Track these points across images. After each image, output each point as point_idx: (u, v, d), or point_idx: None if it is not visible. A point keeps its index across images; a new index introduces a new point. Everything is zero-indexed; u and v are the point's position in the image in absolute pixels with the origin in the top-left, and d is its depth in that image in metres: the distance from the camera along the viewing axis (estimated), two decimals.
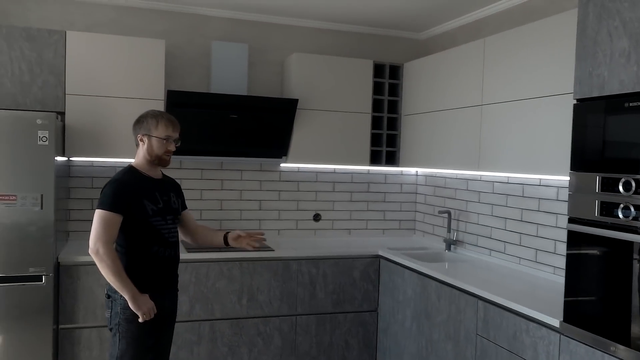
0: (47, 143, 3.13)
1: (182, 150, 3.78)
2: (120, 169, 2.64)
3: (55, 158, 3.19)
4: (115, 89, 3.57)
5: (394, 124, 4.33)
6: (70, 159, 3.75)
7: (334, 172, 4.49)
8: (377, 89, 4.26)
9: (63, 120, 3.49)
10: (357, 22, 4.37)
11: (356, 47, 4.50)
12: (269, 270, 3.74)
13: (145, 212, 2.52)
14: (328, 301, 3.87)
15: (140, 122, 2.60)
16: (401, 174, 4.66)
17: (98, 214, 2.43)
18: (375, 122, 4.27)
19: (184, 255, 3.55)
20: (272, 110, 3.88)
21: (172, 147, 2.62)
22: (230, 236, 2.80)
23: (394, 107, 4.33)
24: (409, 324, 3.58)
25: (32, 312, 3.13)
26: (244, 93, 3.99)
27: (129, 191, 2.49)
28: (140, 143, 2.59)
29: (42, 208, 3.12)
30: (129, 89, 3.60)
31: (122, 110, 3.54)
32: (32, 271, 3.12)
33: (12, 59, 3.39)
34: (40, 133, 3.11)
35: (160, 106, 3.66)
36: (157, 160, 2.60)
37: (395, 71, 4.30)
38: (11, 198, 3.08)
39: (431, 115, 3.88)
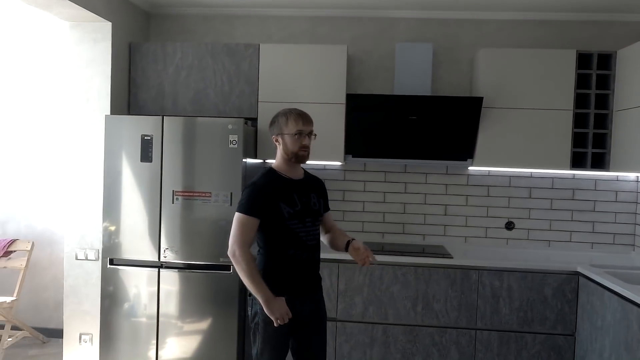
0: (236, 146, 3.45)
1: (363, 152, 3.88)
2: (262, 170, 2.60)
3: (244, 160, 3.51)
4: (301, 95, 3.77)
5: (602, 121, 3.74)
6: (266, 160, 4.09)
7: (531, 176, 4.05)
8: (582, 82, 3.73)
9: (256, 125, 3.83)
10: (559, 9, 3.89)
11: (556, 37, 4.01)
12: (446, 278, 3.54)
13: (281, 215, 2.46)
14: (513, 318, 3.51)
15: (272, 123, 2.58)
16: (617, 179, 3.99)
17: (236, 216, 2.45)
18: (579, 120, 3.74)
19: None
20: (453, 110, 3.68)
21: (307, 142, 2.51)
22: (353, 244, 2.56)
23: (603, 101, 3.74)
24: (607, 355, 3.04)
25: (220, 298, 3.49)
26: (428, 94, 3.86)
27: (264, 194, 2.45)
28: (277, 144, 2.56)
29: (231, 205, 3.46)
30: (314, 95, 3.77)
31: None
32: (222, 261, 3.48)
33: (216, 71, 3.84)
34: (230, 137, 3.46)
35: (341, 110, 3.77)
36: (295, 158, 2.52)
37: (605, 61, 3.71)
38: (207, 195, 3.48)
39: None
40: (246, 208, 2.44)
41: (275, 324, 2.43)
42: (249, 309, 2.58)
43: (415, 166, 4.13)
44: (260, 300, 2.42)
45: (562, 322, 3.48)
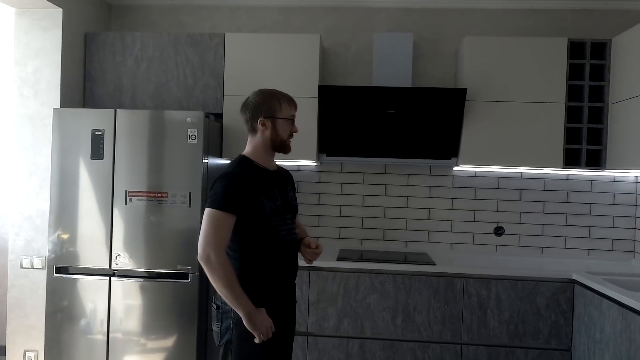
0: (196, 141, 3.14)
1: (339, 151, 3.57)
2: (232, 160, 2.24)
3: (205, 156, 3.19)
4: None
5: (597, 115, 3.44)
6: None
7: (521, 177, 3.74)
8: (574, 72, 3.44)
9: (221, 121, 3.52)
10: None
11: (548, 27, 3.73)
12: (429, 287, 3.21)
13: (263, 211, 2.11)
14: (502, 331, 3.17)
15: (258, 105, 2.18)
16: (614, 180, 3.68)
17: (208, 214, 2.03)
18: (572, 114, 3.44)
19: (332, 263, 3.27)
20: (434, 103, 3.38)
21: (295, 129, 2.23)
22: (304, 241, 2.34)
23: (597, 94, 3.44)
24: None
25: (178, 309, 3.14)
26: (408, 85, 3.55)
27: (244, 187, 2.08)
28: (262, 128, 2.17)
29: (189, 206, 3.14)
30: (284, 88, 3.33)
31: None
32: (179, 268, 3.14)
33: (178, 64, 3.54)
34: (189, 131, 3.14)
35: (314, 104, 3.46)
36: (282, 147, 2.21)
37: (599, 50, 3.42)
38: (162, 195, 3.15)
39: None
40: (222, 203, 2.03)
41: (257, 341, 2.05)
42: (217, 324, 2.16)
43: (396, 166, 3.81)
44: (241, 314, 2.02)
45: (556, 335, 3.14)
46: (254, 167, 2.18)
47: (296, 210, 2.35)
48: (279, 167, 2.36)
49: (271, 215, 2.14)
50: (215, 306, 2.17)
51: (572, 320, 3.13)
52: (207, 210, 2.05)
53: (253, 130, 2.22)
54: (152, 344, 3.17)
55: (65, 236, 3.19)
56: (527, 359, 3.16)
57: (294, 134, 2.25)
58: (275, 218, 2.17)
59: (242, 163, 2.18)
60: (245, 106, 2.24)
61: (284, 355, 2.29)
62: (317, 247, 2.31)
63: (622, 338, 2.55)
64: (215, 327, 2.18)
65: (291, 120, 2.22)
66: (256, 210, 2.10)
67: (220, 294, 2.04)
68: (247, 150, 2.24)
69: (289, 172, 2.42)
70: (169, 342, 3.16)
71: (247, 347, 2.09)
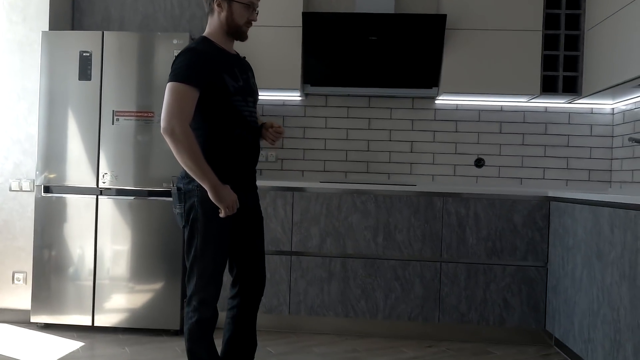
0: None
1: (323, 80, 3.64)
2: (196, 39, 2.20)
3: None
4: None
5: (574, 43, 3.53)
6: None
7: (501, 110, 3.83)
8: (551, 1, 3.53)
9: None
10: None
11: None
12: (409, 206, 3.29)
13: (226, 89, 2.10)
14: (480, 248, 3.26)
15: None
16: (591, 112, 3.78)
17: (172, 87, 2.02)
18: (549, 42, 3.53)
19: (315, 184, 3.35)
20: (415, 30, 3.47)
21: (254, 17, 2.19)
22: (265, 124, 2.35)
23: (573, 22, 3.54)
24: (579, 274, 2.79)
25: (164, 227, 3.22)
26: (391, 12, 3.63)
27: (207, 62, 2.07)
28: (218, 9, 2.14)
29: None
30: (268, 17, 3.49)
31: (261, 39, 3.47)
32: (165, 187, 3.22)
33: None
34: (175, 53, 3.20)
35: (298, 34, 3.54)
36: (236, 33, 2.18)
37: None
38: (149, 115, 3.23)
39: (624, 14, 3.01)
40: (186, 76, 2.01)
41: (222, 214, 2.07)
42: (180, 205, 2.16)
43: (379, 100, 3.89)
44: (207, 186, 2.03)
45: (533, 252, 3.24)
46: (214, 47, 2.17)
47: (257, 96, 2.34)
48: (238, 54, 2.33)
49: (234, 94, 2.15)
50: (176, 188, 2.17)
51: (547, 237, 3.23)
52: (170, 84, 2.03)
53: (211, 10, 2.20)
54: (137, 257, 3.24)
55: (52, 155, 3.26)
56: (504, 274, 3.25)
57: (252, 22, 2.22)
58: (238, 98, 2.17)
59: (202, 42, 2.17)
60: None
61: (256, 240, 2.32)
62: (279, 127, 2.32)
63: (593, 234, 2.64)
64: (178, 209, 2.17)
65: (251, 7, 2.18)
66: (219, 87, 2.11)
67: (185, 167, 2.04)
68: (206, 31, 2.23)
69: (247, 61, 2.39)
70: (154, 255, 3.23)
71: (213, 226, 2.11)
